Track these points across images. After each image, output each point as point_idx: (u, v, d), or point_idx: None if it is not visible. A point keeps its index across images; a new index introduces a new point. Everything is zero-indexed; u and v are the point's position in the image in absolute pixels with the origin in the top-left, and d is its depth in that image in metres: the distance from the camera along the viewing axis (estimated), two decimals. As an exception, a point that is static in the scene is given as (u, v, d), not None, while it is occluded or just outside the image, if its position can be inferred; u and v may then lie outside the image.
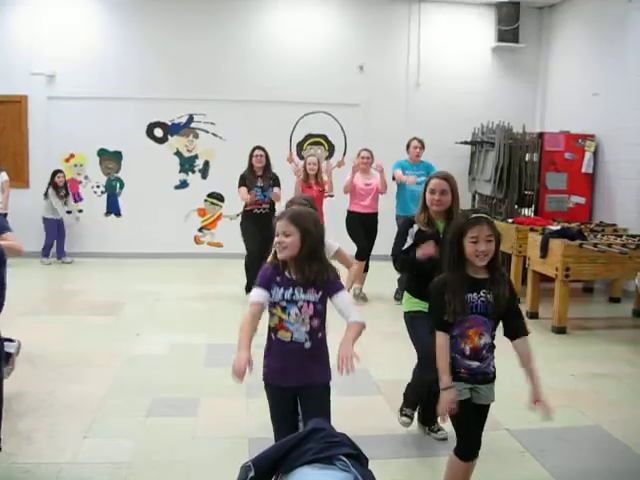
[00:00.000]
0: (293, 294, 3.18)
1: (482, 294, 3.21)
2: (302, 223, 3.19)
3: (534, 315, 7.80)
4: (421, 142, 8.73)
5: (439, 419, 3.50)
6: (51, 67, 10.81)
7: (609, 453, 4.23)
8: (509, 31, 11.39)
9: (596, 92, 9.98)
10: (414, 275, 4.31)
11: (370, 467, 3.88)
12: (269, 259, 3.38)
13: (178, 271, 10.24)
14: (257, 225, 7.87)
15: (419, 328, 4.11)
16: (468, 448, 3.32)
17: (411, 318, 4.29)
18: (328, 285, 3.20)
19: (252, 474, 2.03)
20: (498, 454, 4.22)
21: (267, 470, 2.07)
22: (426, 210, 4.20)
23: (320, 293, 3.18)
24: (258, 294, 3.23)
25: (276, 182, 8.24)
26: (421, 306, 4.13)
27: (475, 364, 3.29)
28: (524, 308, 7.93)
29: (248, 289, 7.97)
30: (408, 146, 8.78)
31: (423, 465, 3.96)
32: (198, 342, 6.45)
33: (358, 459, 2.07)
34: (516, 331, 3.33)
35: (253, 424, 4.51)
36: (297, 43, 11.19)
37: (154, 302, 8.20)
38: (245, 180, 8.17)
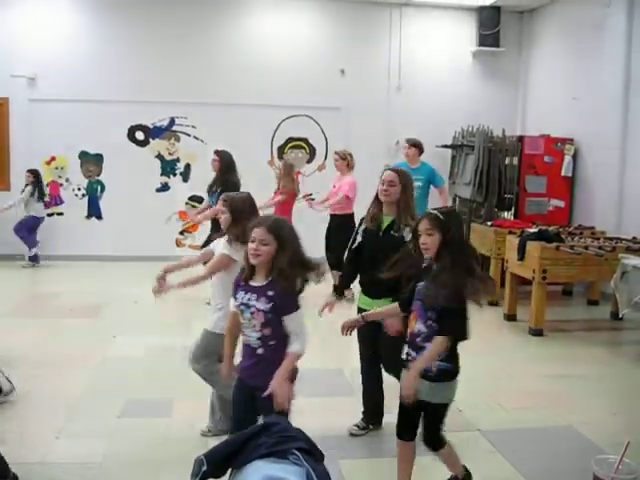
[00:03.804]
0: (249, 299, 3.24)
1: (425, 282, 3.40)
2: (280, 233, 3.23)
3: (512, 317, 7.84)
4: (411, 142, 8.81)
5: None
6: (32, 69, 10.75)
7: (581, 454, 4.25)
8: (490, 35, 11.45)
9: (575, 96, 10.05)
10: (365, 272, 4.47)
11: (341, 467, 3.92)
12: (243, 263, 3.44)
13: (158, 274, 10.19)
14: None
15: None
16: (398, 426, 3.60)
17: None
18: (280, 301, 3.21)
19: (205, 468, 2.04)
20: (469, 454, 4.22)
21: (220, 464, 2.08)
22: (377, 205, 4.39)
23: (271, 304, 3.20)
24: (232, 303, 3.41)
25: (226, 188, 7.52)
26: (361, 302, 4.42)
27: (413, 353, 3.43)
28: (502, 310, 7.97)
29: None
30: None
31: (392, 465, 3.95)
32: (174, 344, 6.42)
33: (312, 454, 2.08)
34: (440, 329, 3.36)
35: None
36: (279, 47, 11.19)
37: (133, 305, 8.18)
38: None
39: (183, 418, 4.72)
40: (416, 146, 8.77)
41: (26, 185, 10.50)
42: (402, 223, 4.19)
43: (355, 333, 4.24)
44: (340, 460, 4.04)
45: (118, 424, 4.60)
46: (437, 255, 3.36)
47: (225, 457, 2.06)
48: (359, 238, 4.46)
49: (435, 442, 3.52)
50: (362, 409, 4.67)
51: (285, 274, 3.19)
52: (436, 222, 3.36)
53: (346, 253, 4.62)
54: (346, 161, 8.58)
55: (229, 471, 2.10)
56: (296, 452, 1.99)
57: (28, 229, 10.59)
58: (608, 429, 4.73)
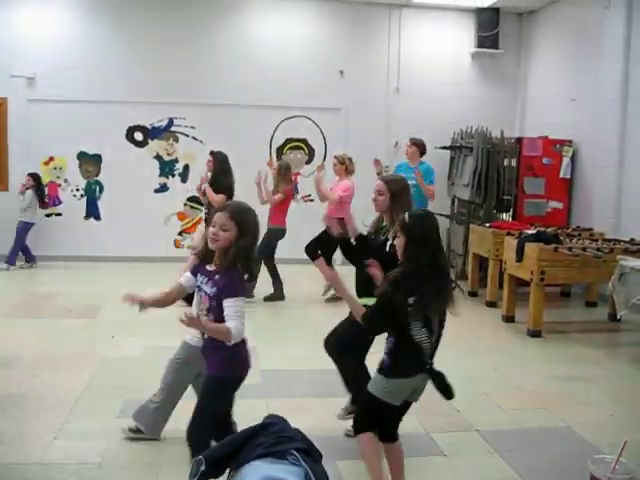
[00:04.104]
0: (202, 282, 3.32)
1: None
2: (242, 221, 3.26)
3: (510, 319, 7.84)
4: (412, 141, 8.89)
5: None
6: (31, 69, 10.76)
7: (578, 454, 4.25)
8: (489, 37, 11.47)
9: (574, 98, 10.08)
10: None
11: (339, 467, 3.93)
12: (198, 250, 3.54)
13: (157, 274, 10.12)
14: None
15: None
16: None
17: None
18: (224, 286, 3.21)
19: (203, 468, 2.05)
20: (467, 454, 4.25)
21: (219, 463, 2.09)
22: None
23: (215, 288, 3.22)
24: (184, 276, 3.47)
25: (216, 190, 7.99)
26: None
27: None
28: (500, 312, 7.99)
29: None
30: None
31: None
32: (173, 345, 6.38)
33: (310, 454, 2.09)
34: None
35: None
36: (278, 47, 11.21)
37: (132, 305, 8.16)
38: None
39: (181, 419, 4.70)
40: (416, 145, 8.82)
41: (26, 189, 10.49)
42: (390, 228, 4.22)
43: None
44: (338, 461, 4.04)
45: (117, 424, 4.59)
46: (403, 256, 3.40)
47: (223, 457, 2.07)
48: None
49: (356, 425, 3.53)
50: None
51: (235, 260, 3.22)
52: (402, 225, 3.40)
53: None
54: (344, 165, 8.55)
55: (227, 471, 2.12)
56: (294, 452, 2.00)
57: (19, 237, 10.59)
58: (605, 429, 4.74)
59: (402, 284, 3.24)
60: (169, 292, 3.52)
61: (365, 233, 4.58)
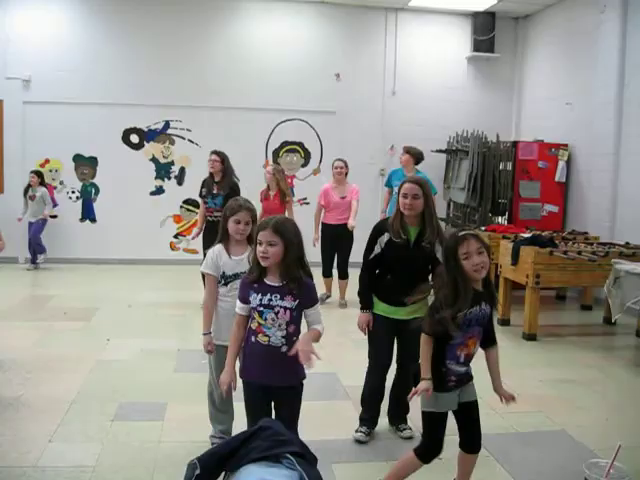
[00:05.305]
0: (270, 299, 3.30)
1: (483, 306, 3.34)
2: (285, 233, 3.30)
3: (505, 322, 7.85)
4: (405, 149, 8.86)
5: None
6: (27, 71, 10.76)
7: (573, 457, 4.26)
8: (484, 41, 11.50)
9: (569, 102, 10.10)
10: (383, 277, 4.40)
11: (334, 471, 3.93)
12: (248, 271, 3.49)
13: (153, 277, 10.22)
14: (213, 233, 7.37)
15: (374, 333, 4.41)
16: (431, 452, 3.48)
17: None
18: (305, 296, 3.33)
19: (198, 471, 2.04)
20: (462, 458, 4.24)
21: (214, 467, 2.08)
22: (401, 217, 4.26)
23: (297, 301, 3.30)
24: (239, 307, 3.45)
25: (232, 191, 7.74)
26: (380, 309, 4.33)
27: (463, 369, 3.45)
28: (496, 315, 7.98)
29: None
30: None
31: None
32: (169, 348, 6.43)
33: (305, 458, 2.09)
34: (492, 340, 3.64)
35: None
36: (274, 50, 11.23)
37: (127, 308, 8.17)
38: (203, 187, 8.11)
39: (176, 422, 4.71)
40: (410, 153, 8.66)
41: (29, 186, 10.55)
42: (432, 234, 4.15)
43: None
44: (333, 464, 4.04)
45: (112, 427, 4.59)
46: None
47: (218, 461, 2.06)
48: (377, 249, 4.31)
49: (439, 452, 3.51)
50: (365, 415, 4.59)
51: (296, 269, 3.30)
52: (481, 240, 3.29)
53: (365, 264, 4.44)
54: (347, 169, 8.51)
55: (222, 475, 2.11)
56: (289, 456, 2.00)
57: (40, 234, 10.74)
58: (600, 433, 4.74)
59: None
60: (238, 332, 3.46)
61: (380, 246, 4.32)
